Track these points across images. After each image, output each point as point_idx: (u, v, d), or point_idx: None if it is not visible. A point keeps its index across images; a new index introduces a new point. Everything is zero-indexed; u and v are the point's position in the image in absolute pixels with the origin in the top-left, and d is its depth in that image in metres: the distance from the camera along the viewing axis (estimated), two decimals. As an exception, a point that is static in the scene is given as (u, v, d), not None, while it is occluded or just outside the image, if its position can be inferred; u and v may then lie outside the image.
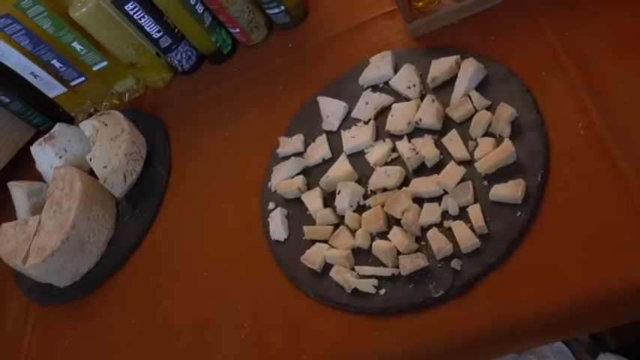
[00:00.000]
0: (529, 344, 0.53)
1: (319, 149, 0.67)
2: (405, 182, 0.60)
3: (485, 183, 0.55)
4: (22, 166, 0.97)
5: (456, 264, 0.53)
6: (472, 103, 0.60)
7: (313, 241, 0.61)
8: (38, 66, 0.91)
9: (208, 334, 0.64)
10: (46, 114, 0.99)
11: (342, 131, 0.67)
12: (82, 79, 0.93)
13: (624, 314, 0.49)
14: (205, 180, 0.77)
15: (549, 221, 0.51)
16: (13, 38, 0.86)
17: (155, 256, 0.76)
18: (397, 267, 0.55)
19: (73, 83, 0.94)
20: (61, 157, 0.87)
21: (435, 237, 0.54)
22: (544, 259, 0.50)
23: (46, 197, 0.82)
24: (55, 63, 0.90)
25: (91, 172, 0.82)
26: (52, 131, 0.89)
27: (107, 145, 0.80)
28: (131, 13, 0.80)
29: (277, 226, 0.65)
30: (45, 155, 0.87)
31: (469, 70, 0.61)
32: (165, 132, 0.86)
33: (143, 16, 0.81)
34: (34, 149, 0.88)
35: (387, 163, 0.62)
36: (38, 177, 0.90)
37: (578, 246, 0.49)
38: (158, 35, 0.83)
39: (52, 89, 0.95)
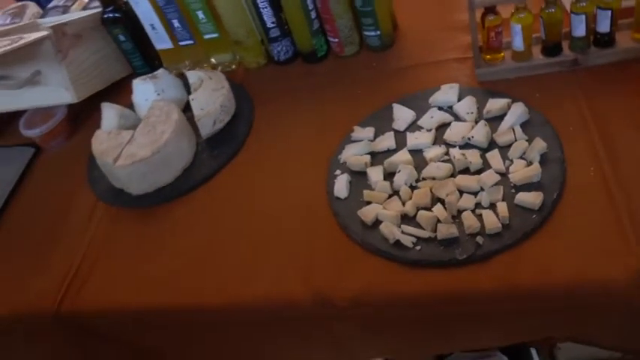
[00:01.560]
0: (524, 308, 0.70)
1: (386, 141, 0.86)
2: (452, 177, 0.78)
3: (513, 190, 0.74)
4: (112, 95, 1.14)
5: (479, 239, 0.71)
6: (514, 134, 0.79)
7: (369, 203, 0.79)
8: (159, 20, 1.09)
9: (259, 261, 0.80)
10: (146, 61, 1.17)
11: (407, 132, 0.86)
12: (191, 42, 1.11)
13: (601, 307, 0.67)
14: (280, 145, 0.95)
15: (556, 226, 0.70)
16: (153, -9, 1.05)
17: (221, 191, 0.92)
18: (434, 232, 0.73)
19: (181, 43, 1.12)
20: (159, 94, 1.04)
21: (468, 217, 0.73)
22: (546, 250, 0.68)
23: (142, 119, 0.99)
24: (175, 22, 1.09)
25: (186, 113, 0.99)
26: (155, 73, 1.06)
27: (208, 94, 0.98)
28: (258, 1, 1.00)
29: (341, 187, 0.82)
30: (144, 89, 1.05)
31: (517, 112, 0.81)
32: (250, 102, 1.04)
33: (266, 7, 1.00)
34: (137, 82, 1.06)
35: (439, 161, 0.81)
36: (128, 106, 1.07)
37: (574, 248, 0.68)
38: (271, 26, 1.03)
39: (162, 42, 1.13)
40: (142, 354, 0.89)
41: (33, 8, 1.45)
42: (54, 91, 1.08)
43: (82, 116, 1.15)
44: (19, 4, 1.48)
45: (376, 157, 0.85)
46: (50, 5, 1.45)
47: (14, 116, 1.15)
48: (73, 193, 1.02)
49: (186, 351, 0.86)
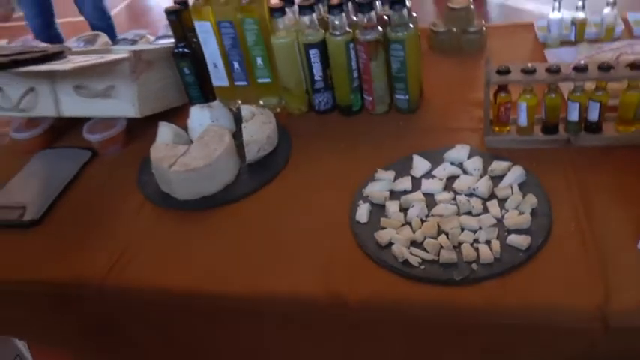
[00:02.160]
0: (507, 324, 0.84)
1: (404, 183, 1.03)
2: (456, 216, 0.95)
3: (506, 233, 0.90)
4: (167, 118, 1.31)
5: (474, 266, 0.86)
6: (512, 190, 0.97)
7: (384, 228, 0.95)
8: (222, 61, 1.30)
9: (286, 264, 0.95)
10: (202, 93, 1.36)
11: (422, 179, 1.04)
12: (245, 83, 1.31)
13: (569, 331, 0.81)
14: (312, 177, 1.11)
15: (538, 264, 0.86)
16: (222, 35, 1.25)
17: (256, 207, 1.07)
18: (437, 256, 0.88)
19: (236, 83, 1.32)
20: (213, 121, 1.22)
21: (466, 248, 0.88)
22: (528, 282, 0.84)
23: (195, 139, 1.16)
24: (235, 64, 1.29)
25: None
26: (212, 103, 1.26)
27: (258, 125, 1.16)
28: (310, 57, 1.20)
29: (362, 213, 0.98)
30: (201, 115, 1.23)
31: (516, 173, 0.99)
32: (290, 140, 1.22)
33: (316, 62, 1.20)
34: (195, 108, 1.24)
35: (447, 204, 0.97)
36: (182, 128, 1.25)
37: (551, 282, 0.83)
38: (318, 79, 1.22)
39: (219, 80, 1.33)
40: (167, 335, 1.02)
41: (104, 38, 1.67)
42: (121, 105, 1.26)
43: (137, 131, 1.32)
44: (93, 33, 1.71)
45: (394, 194, 1.02)
46: (120, 37, 1.68)
47: (79, 122, 1.33)
48: (123, 192, 1.17)
49: (205, 336, 0.99)
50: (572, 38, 1.30)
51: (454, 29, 1.37)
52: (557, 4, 1.26)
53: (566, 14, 1.29)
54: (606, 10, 1.25)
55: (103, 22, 3.08)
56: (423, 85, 1.25)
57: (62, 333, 1.13)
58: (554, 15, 1.27)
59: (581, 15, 1.26)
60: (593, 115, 1.03)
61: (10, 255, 1.09)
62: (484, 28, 1.37)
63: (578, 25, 1.27)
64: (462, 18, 1.35)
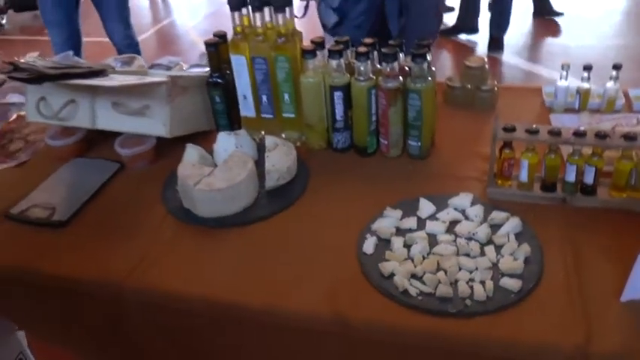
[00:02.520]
0: (494, 356, 0.92)
1: (410, 222, 1.13)
2: (455, 256, 1.04)
3: (500, 275, 0.99)
4: (193, 141, 1.42)
5: (468, 302, 0.95)
6: (508, 238, 1.06)
7: (388, 260, 1.04)
8: (252, 93, 1.41)
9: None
10: (229, 121, 1.47)
11: (427, 220, 1.13)
12: (271, 116, 1.42)
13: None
14: (325, 209, 1.21)
15: (528, 306, 0.94)
16: (255, 70, 1.37)
17: (270, 230, 1.17)
18: (434, 290, 0.97)
19: (263, 115, 1.43)
20: (237, 147, 1.32)
21: (462, 285, 0.97)
22: (517, 321, 0.92)
23: (220, 163, 1.27)
24: (264, 98, 1.40)
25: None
26: (238, 131, 1.37)
27: (280, 156, 1.27)
28: (335, 98, 1.31)
29: (369, 246, 1.07)
30: (227, 141, 1.34)
31: (513, 223, 1.08)
32: (307, 172, 1.32)
33: (339, 104, 1.32)
34: (222, 134, 1.35)
35: (448, 244, 1.07)
36: (208, 152, 1.35)
37: (538, 323, 0.91)
38: (339, 119, 1.33)
39: (247, 111, 1.44)
40: (171, 340, 1.10)
41: (140, 61, 1.80)
42: (153, 124, 1.37)
43: (165, 149, 1.43)
44: (129, 55, 1.84)
45: (400, 231, 1.11)
46: (155, 62, 1.80)
47: (111, 135, 1.43)
48: (147, 204, 1.27)
49: (214, 342, 1.07)
50: (576, 106, 1.41)
51: (468, 86, 1.49)
52: (564, 72, 1.38)
53: (573, 83, 1.41)
54: (609, 84, 1.36)
55: (130, 49, 3.25)
56: (435, 135, 1.36)
57: (66, 330, 1.22)
58: (562, 83, 1.39)
59: (586, 85, 1.38)
60: (589, 179, 1.13)
61: (35, 248, 1.17)
62: (496, 88, 1.49)
63: (583, 95, 1.39)
64: (477, 76, 1.48)
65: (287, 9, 1.28)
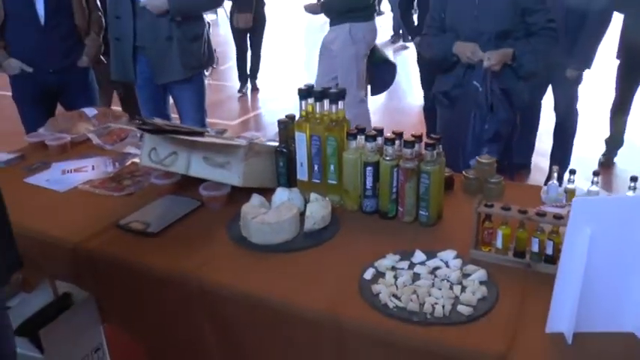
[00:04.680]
0: None
1: (403, 264, 1.58)
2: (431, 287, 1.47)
3: (458, 304, 1.41)
4: (259, 192, 1.96)
5: (428, 316, 1.37)
6: (474, 283, 1.48)
7: (379, 284, 1.49)
8: (307, 162, 1.95)
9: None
10: (288, 182, 2.00)
11: (417, 265, 1.58)
12: (318, 181, 1.95)
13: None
14: (345, 249, 1.69)
15: (471, 326, 1.35)
16: (311, 145, 1.92)
17: (300, 258, 1.66)
18: (407, 305, 1.40)
19: (313, 180, 1.96)
20: (289, 199, 1.85)
21: (427, 305, 1.40)
22: (460, 334, 1.33)
23: (274, 205, 1.79)
24: (315, 166, 1.94)
25: (299, 213, 1.80)
26: (292, 189, 1.90)
27: (318, 207, 1.78)
28: (367, 172, 1.82)
29: (368, 274, 1.54)
30: (282, 194, 1.87)
31: (481, 273, 1.51)
32: (338, 224, 1.81)
33: (370, 176, 1.82)
34: (280, 189, 1.89)
35: (427, 280, 1.50)
36: (267, 201, 1.89)
37: (472, 336, 1.32)
38: (369, 187, 1.83)
39: (302, 175, 1.98)
40: (224, 328, 1.59)
41: (229, 133, 2.41)
42: (231, 176, 1.93)
43: (236, 196, 1.97)
44: (222, 128, 2.46)
45: (394, 269, 1.56)
46: (242, 135, 2.41)
47: (199, 181, 2.00)
48: (214, 231, 1.81)
49: (247, 328, 1.55)
50: (564, 202, 1.83)
51: (480, 178, 1.95)
52: (555, 174, 1.82)
53: (565, 184, 1.84)
54: (591, 187, 1.78)
55: None
56: (444, 210, 1.82)
57: (144, 315, 1.75)
58: (554, 183, 1.83)
59: (571, 186, 1.81)
60: (549, 250, 1.54)
61: (134, 249, 1.73)
62: (502, 182, 1.94)
63: (569, 194, 1.81)
64: (486, 171, 1.94)
65: (340, 102, 1.84)
